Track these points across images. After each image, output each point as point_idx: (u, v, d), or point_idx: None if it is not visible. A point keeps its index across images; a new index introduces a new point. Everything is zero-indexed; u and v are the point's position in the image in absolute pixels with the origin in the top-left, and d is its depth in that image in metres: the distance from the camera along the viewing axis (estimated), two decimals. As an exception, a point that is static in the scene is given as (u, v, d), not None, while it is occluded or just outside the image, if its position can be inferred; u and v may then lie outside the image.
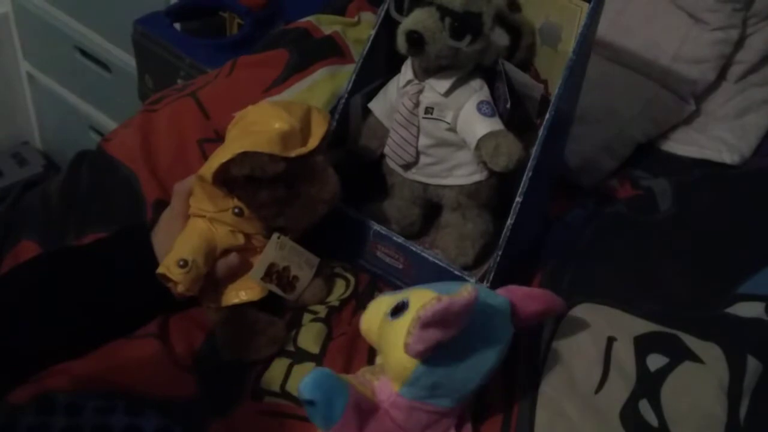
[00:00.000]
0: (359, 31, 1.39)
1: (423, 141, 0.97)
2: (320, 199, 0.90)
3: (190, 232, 0.90)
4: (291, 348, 0.93)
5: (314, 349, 0.92)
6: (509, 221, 0.93)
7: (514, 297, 0.85)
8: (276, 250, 0.93)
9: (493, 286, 0.93)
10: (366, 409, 0.78)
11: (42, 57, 2.12)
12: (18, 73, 2.19)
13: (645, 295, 1.01)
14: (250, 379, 0.90)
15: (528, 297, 0.87)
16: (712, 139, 1.29)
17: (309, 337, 0.93)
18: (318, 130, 0.90)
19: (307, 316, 0.96)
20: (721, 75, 1.32)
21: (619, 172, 1.24)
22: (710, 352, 0.91)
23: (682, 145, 1.29)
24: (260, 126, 0.87)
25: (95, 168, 1.13)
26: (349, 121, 1.05)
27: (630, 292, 1.01)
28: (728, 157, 1.26)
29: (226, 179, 0.86)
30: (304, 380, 0.75)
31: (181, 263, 0.86)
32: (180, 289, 0.87)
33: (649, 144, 1.29)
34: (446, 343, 0.76)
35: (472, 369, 0.81)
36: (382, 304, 0.83)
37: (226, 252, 0.91)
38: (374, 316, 0.83)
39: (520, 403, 0.88)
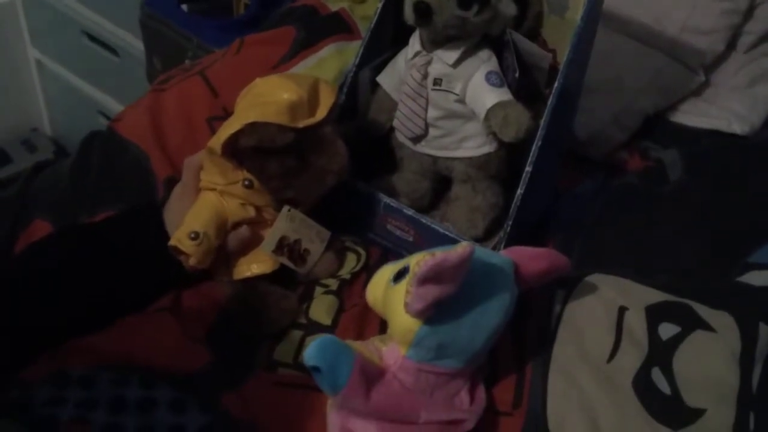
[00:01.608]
0: (366, 7, 1.39)
1: (432, 113, 0.97)
2: (329, 170, 0.90)
3: (201, 205, 0.90)
4: (303, 320, 0.93)
5: (326, 321, 0.93)
6: (519, 191, 0.93)
7: (516, 257, 0.85)
8: (287, 223, 0.93)
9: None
10: (372, 373, 0.79)
11: (50, 43, 2.12)
12: (26, 59, 2.19)
13: (656, 265, 1.01)
14: (263, 351, 0.90)
15: (531, 256, 0.87)
16: (722, 110, 1.28)
17: (321, 309, 0.94)
18: (326, 101, 0.90)
19: (318, 289, 0.97)
20: (731, 45, 1.32)
21: (629, 144, 1.24)
22: (722, 320, 0.91)
23: (692, 116, 1.29)
24: (268, 97, 0.87)
25: (106, 148, 1.14)
26: (357, 95, 1.05)
27: (641, 263, 1.01)
28: (738, 128, 1.26)
29: (235, 151, 0.86)
30: (309, 347, 0.75)
31: (193, 235, 0.86)
32: (192, 261, 0.87)
33: (659, 115, 1.29)
34: (447, 301, 0.77)
35: (477, 328, 0.81)
36: (385, 272, 0.84)
37: (237, 225, 0.92)
38: (378, 285, 0.84)
39: (533, 372, 0.88)
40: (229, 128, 0.85)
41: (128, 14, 1.73)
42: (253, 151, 0.86)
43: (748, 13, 1.29)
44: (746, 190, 1.14)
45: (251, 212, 0.92)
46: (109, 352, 0.88)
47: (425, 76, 0.95)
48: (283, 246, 0.93)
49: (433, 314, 0.78)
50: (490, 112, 0.92)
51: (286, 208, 0.93)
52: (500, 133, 0.92)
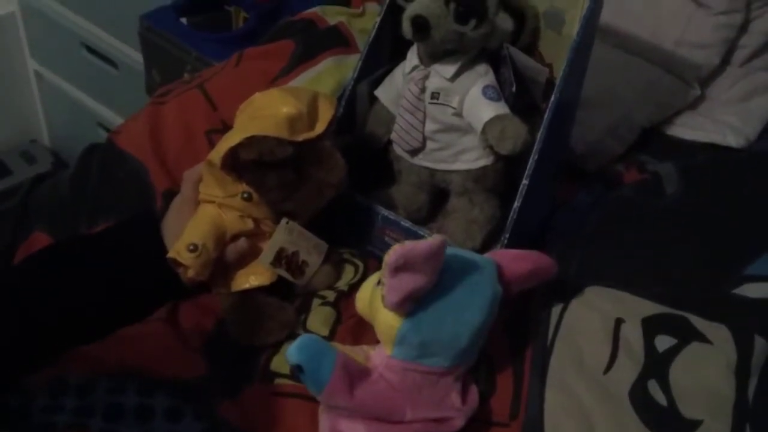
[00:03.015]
0: (364, 21, 1.40)
1: (429, 126, 0.98)
2: (327, 183, 0.91)
3: (200, 217, 0.91)
4: (300, 332, 0.93)
5: (323, 332, 0.93)
6: (516, 204, 0.93)
7: (499, 258, 0.86)
8: (285, 235, 0.93)
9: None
10: (356, 371, 0.80)
11: (49, 55, 2.12)
12: (26, 71, 2.19)
13: (652, 277, 1.01)
14: (260, 362, 0.91)
15: (514, 257, 0.88)
16: (718, 123, 1.29)
17: (318, 320, 0.94)
18: (325, 115, 0.90)
19: (316, 301, 0.97)
20: (726, 59, 1.32)
21: (625, 157, 1.24)
22: (718, 332, 0.92)
23: (688, 129, 1.29)
24: (268, 111, 0.88)
25: (105, 160, 1.14)
26: (355, 108, 1.05)
27: (637, 275, 1.01)
28: (734, 141, 1.26)
29: (235, 164, 0.87)
30: (290, 347, 0.77)
31: (191, 248, 0.87)
32: (190, 273, 0.88)
33: (655, 129, 1.29)
34: (426, 297, 0.78)
35: (459, 325, 0.81)
36: (371, 280, 0.85)
37: (236, 237, 0.92)
38: (366, 292, 0.85)
39: (530, 383, 0.89)
40: (228, 141, 0.85)
41: (127, 27, 1.73)
42: (252, 164, 0.86)
43: (743, 28, 1.30)
44: (741, 202, 1.15)
45: (250, 225, 0.92)
46: (107, 361, 0.88)
47: (423, 89, 0.96)
48: (281, 258, 0.94)
49: (414, 310, 0.79)
50: (487, 125, 0.93)
51: (284, 220, 0.93)
52: (497, 146, 0.93)
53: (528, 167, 0.92)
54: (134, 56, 1.82)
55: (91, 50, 1.96)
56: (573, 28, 0.95)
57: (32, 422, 0.83)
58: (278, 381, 0.89)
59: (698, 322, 0.93)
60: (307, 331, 0.94)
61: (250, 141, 0.84)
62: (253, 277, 0.94)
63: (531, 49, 1.01)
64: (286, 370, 0.90)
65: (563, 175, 1.13)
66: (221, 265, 0.93)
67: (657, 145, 1.27)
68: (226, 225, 0.91)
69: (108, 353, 0.89)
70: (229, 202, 0.90)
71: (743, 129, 1.28)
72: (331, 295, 0.97)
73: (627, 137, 1.24)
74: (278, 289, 0.96)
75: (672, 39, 1.29)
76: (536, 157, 0.92)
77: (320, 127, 0.89)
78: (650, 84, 1.27)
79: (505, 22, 0.93)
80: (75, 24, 1.95)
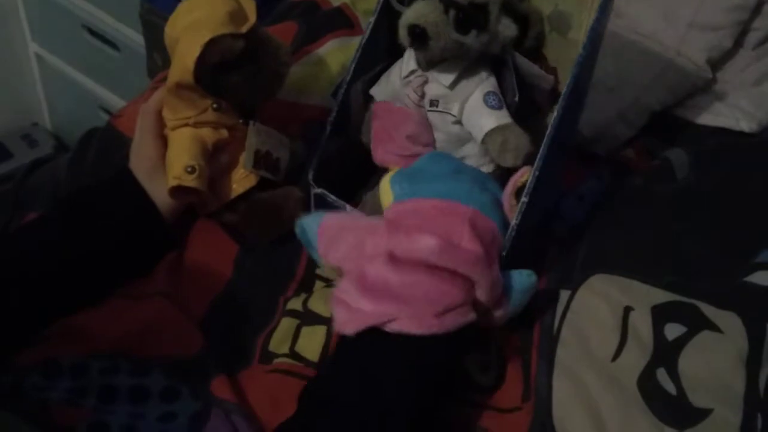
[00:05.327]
0: (368, 2, 1.36)
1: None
2: (280, 62, 0.94)
3: (183, 140, 0.92)
4: (300, 309, 0.94)
5: (326, 313, 0.92)
6: (524, 198, 0.87)
7: None
8: (256, 137, 0.96)
9: (508, 259, 0.88)
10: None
11: (50, 37, 2.11)
12: (26, 53, 2.18)
13: (662, 265, 1.00)
14: (258, 343, 0.91)
15: None
16: (730, 107, 1.26)
17: (320, 301, 0.94)
18: (249, 4, 0.93)
19: (319, 283, 0.97)
20: (738, 42, 1.28)
21: (635, 142, 1.22)
22: (729, 321, 0.91)
23: (699, 113, 1.26)
24: (206, 15, 0.89)
25: (103, 144, 1.14)
26: (349, 109, 1.01)
27: (647, 262, 1.00)
28: (746, 126, 1.24)
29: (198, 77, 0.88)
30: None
31: (189, 169, 0.89)
32: (199, 185, 0.89)
33: (665, 112, 1.26)
34: None
35: None
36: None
37: (216, 149, 0.94)
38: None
39: (538, 371, 0.89)
40: (189, 55, 0.86)
41: (129, 9, 1.72)
42: (213, 70, 0.88)
43: (756, 10, 1.26)
44: (753, 188, 1.12)
45: (225, 134, 0.94)
46: (102, 339, 0.88)
47: (422, 96, 0.92)
48: (259, 159, 0.96)
49: None
50: (488, 136, 0.88)
51: (251, 123, 0.95)
52: (498, 159, 0.89)
53: (527, 186, 0.87)
54: (135, 38, 1.81)
55: (92, 32, 1.94)
56: (580, 32, 0.91)
57: (24, 400, 0.82)
58: (277, 361, 0.89)
59: (709, 310, 0.93)
60: (307, 309, 0.94)
61: (210, 45, 0.85)
62: (236, 185, 0.96)
63: (535, 53, 0.97)
64: (285, 350, 0.90)
65: (571, 159, 1.11)
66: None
67: (667, 130, 1.24)
68: (206, 140, 0.93)
69: (104, 331, 0.88)
70: (203, 117, 0.92)
71: (756, 113, 1.25)
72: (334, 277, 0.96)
73: (637, 121, 1.22)
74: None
75: (684, 21, 1.24)
76: (537, 173, 0.86)
77: (253, 16, 0.91)
78: (661, 67, 1.23)
79: (508, 28, 0.88)
80: (76, 6, 1.93)
